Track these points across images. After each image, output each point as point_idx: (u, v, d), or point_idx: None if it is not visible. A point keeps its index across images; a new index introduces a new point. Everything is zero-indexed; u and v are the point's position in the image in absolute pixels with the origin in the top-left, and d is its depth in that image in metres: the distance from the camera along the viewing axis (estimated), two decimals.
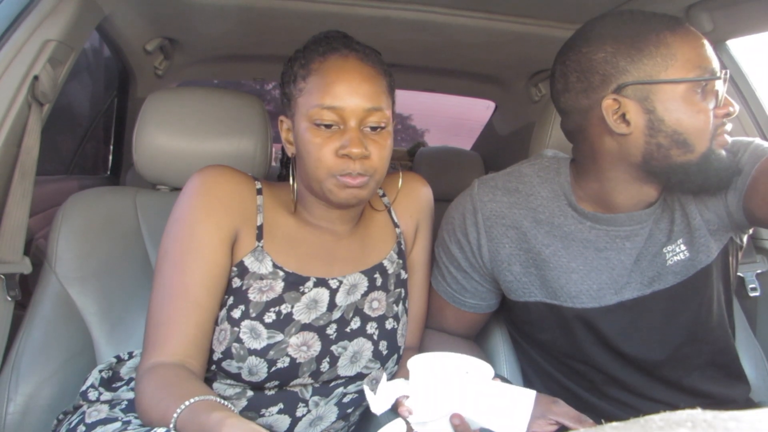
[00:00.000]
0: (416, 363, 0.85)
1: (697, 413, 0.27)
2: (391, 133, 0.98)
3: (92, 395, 0.98)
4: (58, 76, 1.20)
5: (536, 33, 1.62)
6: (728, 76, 0.94)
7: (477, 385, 0.80)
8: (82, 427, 0.90)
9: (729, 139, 0.97)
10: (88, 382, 1.01)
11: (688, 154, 0.94)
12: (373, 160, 0.94)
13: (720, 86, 0.93)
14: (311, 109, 0.93)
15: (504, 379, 0.98)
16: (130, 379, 1.02)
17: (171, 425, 0.75)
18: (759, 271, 1.41)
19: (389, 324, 1.05)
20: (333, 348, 0.99)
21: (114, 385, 1.01)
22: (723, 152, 0.96)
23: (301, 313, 0.97)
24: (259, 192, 1.01)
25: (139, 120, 1.23)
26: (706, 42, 0.94)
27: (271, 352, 0.94)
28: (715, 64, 0.94)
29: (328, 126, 0.92)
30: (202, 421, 0.71)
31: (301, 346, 0.97)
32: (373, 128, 0.94)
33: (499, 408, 0.79)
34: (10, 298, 1.08)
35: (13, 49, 1.09)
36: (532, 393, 0.80)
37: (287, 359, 0.95)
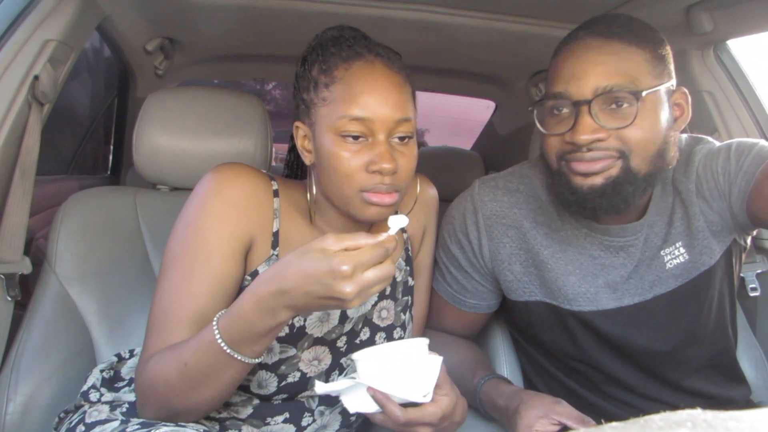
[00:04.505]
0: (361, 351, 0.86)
1: (698, 413, 0.27)
2: (416, 143, 0.93)
3: (93, 396, 0.97)
4: (58, 76, 1.20)
5: (536, 33, 1.62)
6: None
7: (399, 353, 0.82)
8: (81, 427, 0.90)
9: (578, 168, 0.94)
10: (89, 382, 1.00)
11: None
12: (401, 175, 0.89)
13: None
14: (337, 120, 0.87)
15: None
16: (132, 380, 1.01)
17: (214, 327, 0.77)
18: (759, 271, 1.41)
19: (397, 333, 1.04)
20: (343, 360, 0.99)
21: (116, 385, 1.01)
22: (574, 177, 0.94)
23: (313, 326, 0.95)
24: (275, 194, 0.96)
25: (139, 120, 1.22)
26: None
27: (283, 367, 0.93)
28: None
29: (355, 138, 0.87)
30: (237, 309, 0.76)
31: (313, 361, 0.95)
32: (401, 138, 0.90)
33: (410, 376, 0.80)
34: (10, 298, 1.08)
35: (14, 49, 1.09)
36: (438, 359, 0.82)
37: (298, 374, 0.94)
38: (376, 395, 0.80)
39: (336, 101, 0.88)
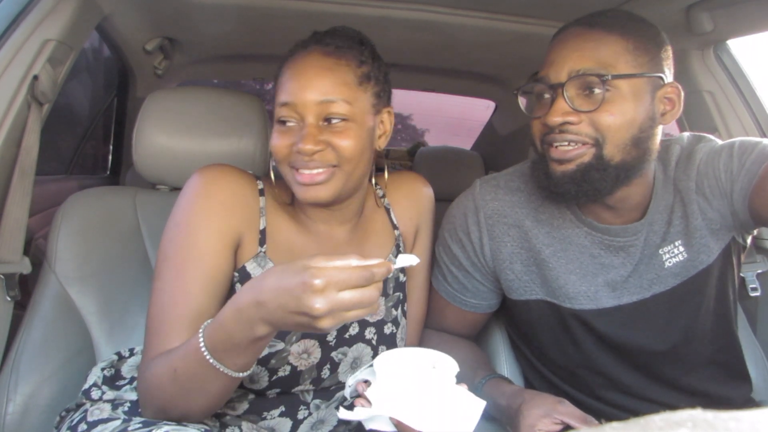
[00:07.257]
0: (382, 358, 0.83)
1: (698, 413, 0.26)
2: (360, 126, 0.93)
3: (95, 394, 0.98)
4: (57, 76, 1.20)
5: (536, 33, 1.62)
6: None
7: (433, 385, 0.78)
8: (83, 426, 0.90)
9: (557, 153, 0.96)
10: (91, 381, 1.00)
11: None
12: (338, 153, 0.90)
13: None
14: (275, 109, 0.94)
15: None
16: (133, 378, 1.02)
17: (200, 335, 0.76)
18: (759, 271, 1.41)
19: (388, 329, 1.05)
20: (333, 354, 0.99)
21: (117, 384, 1.01)
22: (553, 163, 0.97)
23: None
24: (261, 193, 0.99)
25: (138, 120, 1.23)
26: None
27: (272, 361, 0.94)
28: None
29: (283, 122, 0.92)
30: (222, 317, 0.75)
31: (302, 354, 0.96)
32: (329, 120, 0.91)
33: (446, 413, 0.77)
34: (9, 298, 1.08)
35: (13, 49, 1.09)
36: (482, 403, 0.79)
37: (288, 367, 0.95)
38: (400, 426, 0.77)
39: (276, 93, 0.94)
